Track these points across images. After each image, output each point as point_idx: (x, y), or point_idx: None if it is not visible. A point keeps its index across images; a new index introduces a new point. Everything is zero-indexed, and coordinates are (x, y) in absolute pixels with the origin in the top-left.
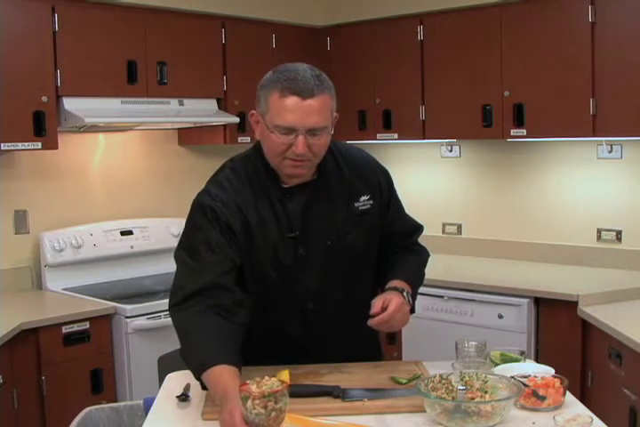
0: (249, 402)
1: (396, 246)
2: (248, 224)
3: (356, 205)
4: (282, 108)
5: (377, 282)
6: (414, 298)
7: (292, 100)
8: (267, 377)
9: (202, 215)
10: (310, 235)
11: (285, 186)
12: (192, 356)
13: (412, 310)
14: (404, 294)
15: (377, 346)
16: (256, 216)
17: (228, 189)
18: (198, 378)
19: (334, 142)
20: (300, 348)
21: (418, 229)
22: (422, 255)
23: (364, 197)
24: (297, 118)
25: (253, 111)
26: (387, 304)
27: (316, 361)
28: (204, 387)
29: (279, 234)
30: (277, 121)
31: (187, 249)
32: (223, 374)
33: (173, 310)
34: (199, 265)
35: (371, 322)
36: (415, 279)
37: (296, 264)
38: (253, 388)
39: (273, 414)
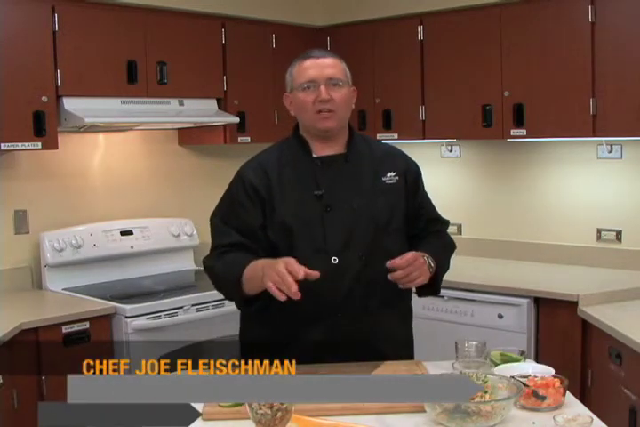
0: (255, 402)
1: (424, 231)
2: (270, 183)
3: (383, 179)
4: (302, 69)
5: None
6: (439, 279)
7: (308, 61)
8: None
9: (234, 182)
10: (337, 197)
11: (316, 155)
12: (228, 276)
13: (437, 290)
14: (425, 257)
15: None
16: (279, 176)
17: (261, 158)
18: (241, 293)
19: (365, 135)
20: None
21: (445, 221)
22: (449, 243)
23: (391, 174)
24: (315, 72)
25: (286, 94)
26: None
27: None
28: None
29: (306, 192)
30: (300, 79)
31: (219, 213)
32: (255, 261)
33: (205, 263)
34: (227, 228)
35: (391, 275)
36: (439, 255)
37: (322, 221)
38: None
39: (279, 414)
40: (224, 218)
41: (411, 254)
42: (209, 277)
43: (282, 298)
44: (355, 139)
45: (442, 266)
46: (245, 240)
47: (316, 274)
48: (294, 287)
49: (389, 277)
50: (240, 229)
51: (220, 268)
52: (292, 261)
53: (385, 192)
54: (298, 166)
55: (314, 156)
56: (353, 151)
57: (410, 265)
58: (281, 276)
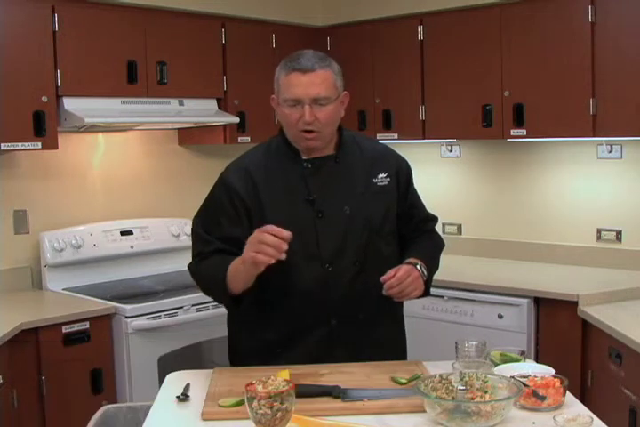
0: (255, 402)
1: (415, 231)
2: (256, 188)
3: (374, 181)
4: (288, 84)
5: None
6: (430, 281)
7: (294, 76)
8: (272, 377)
9: (217, 186)
10: (329, 202)
11: (305, 157)
12: (213, 278)
13: (427, 291)
14: (417, 266)
15: (397, 330)
16: (266, 179)
17: (245, 160)
18: (227, 292)
19: (355, 132)
20: (319, 325)
21: (434, 217)
22: (439, 242)
23: (382, 175)
24: (301, 90)
25: (273, 96)
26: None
27: (334, 339)
28: (232, 302)
29: (296, 197)
30: (285, 95)
31: (201, 219)
32: (236, 259)
33: (190, 269)
34: (210, 237)
35: (385, 290)
36: (430, 259)
37: (314, 227)
38: (259, 388)
39: (279, 414)
40: (206, 226)
41: (403, 270)
42: (196, 282)
43: (270, 260)
44: (344, 140)
45: (433, 267)
46: (228, 247)
47: (288, 234)
48: (284, 246)
49: (384, 292)
50: (223, 238)
51: (203, 271)
52: (265, 228)
53: (377, 194)
54: (286, 169)
55: (303, 158)
56: (342, 153)
57: (403, 281)
58: (263, 239)
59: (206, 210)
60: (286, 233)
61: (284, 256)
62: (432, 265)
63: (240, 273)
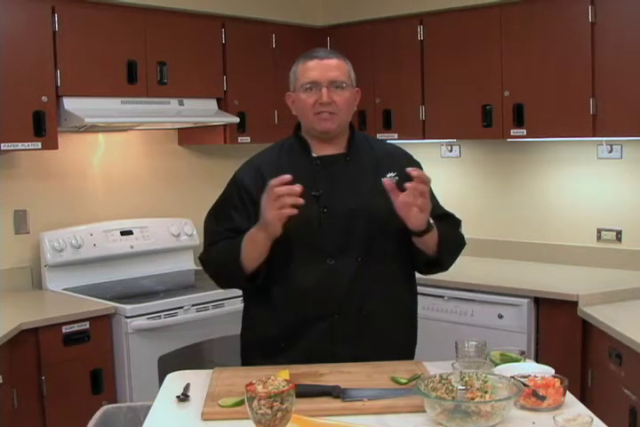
0: (255, 402)
1: None
2: (265, 184)
3: (383, 179)
4: (305, 70)
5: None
6: (445, 255)
7: (312, 62)
8: (272, 377)
9: (229, 184)
10: (335, 198)
11: (316, 155)
12: (228, 256)
13: (441, 264)
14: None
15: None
16: (275, 173)
17: (258, 158)
18: (242, 267)
19: (367, 134)
20: (320, 318)
21: (457, 219)
22: (458, 232)
23: (391, 174)
24: (318, 73)
25: (289, 93)
26: None
27: (334, 334)
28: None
29: (303, 192)
30: (303, 80)
31: (212, 215)
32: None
33: (201, 258)
34: (220, 229)
35: (406, 184)
36: (444, 233)
37: (318, 222)
38: (259, 388)
39: (279, 414)
40: (217, 219)
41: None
42: (206, 268)
43: (294, 211)
44: (356, 138)
45: (446, 241)
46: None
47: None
48: (297, 189)
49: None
50: (233, 229)
51: (215, 254)
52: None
53: (385, 192)
54: (296, 166)
55: (313, 155)
56: (353, 151)
57: (423, 182)
58: (278, 193)
59: (218, 206)
60: (298, 187)
61: (301, 201)
62: (445, 239)
63: (257, 242)
